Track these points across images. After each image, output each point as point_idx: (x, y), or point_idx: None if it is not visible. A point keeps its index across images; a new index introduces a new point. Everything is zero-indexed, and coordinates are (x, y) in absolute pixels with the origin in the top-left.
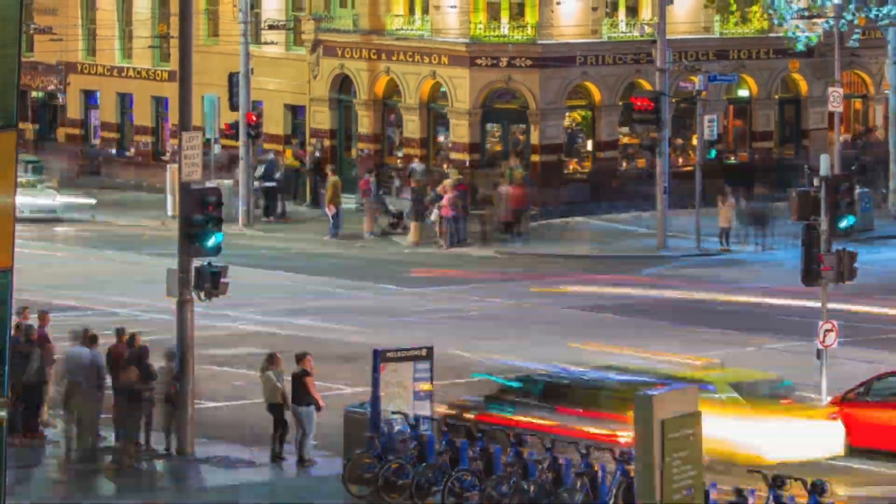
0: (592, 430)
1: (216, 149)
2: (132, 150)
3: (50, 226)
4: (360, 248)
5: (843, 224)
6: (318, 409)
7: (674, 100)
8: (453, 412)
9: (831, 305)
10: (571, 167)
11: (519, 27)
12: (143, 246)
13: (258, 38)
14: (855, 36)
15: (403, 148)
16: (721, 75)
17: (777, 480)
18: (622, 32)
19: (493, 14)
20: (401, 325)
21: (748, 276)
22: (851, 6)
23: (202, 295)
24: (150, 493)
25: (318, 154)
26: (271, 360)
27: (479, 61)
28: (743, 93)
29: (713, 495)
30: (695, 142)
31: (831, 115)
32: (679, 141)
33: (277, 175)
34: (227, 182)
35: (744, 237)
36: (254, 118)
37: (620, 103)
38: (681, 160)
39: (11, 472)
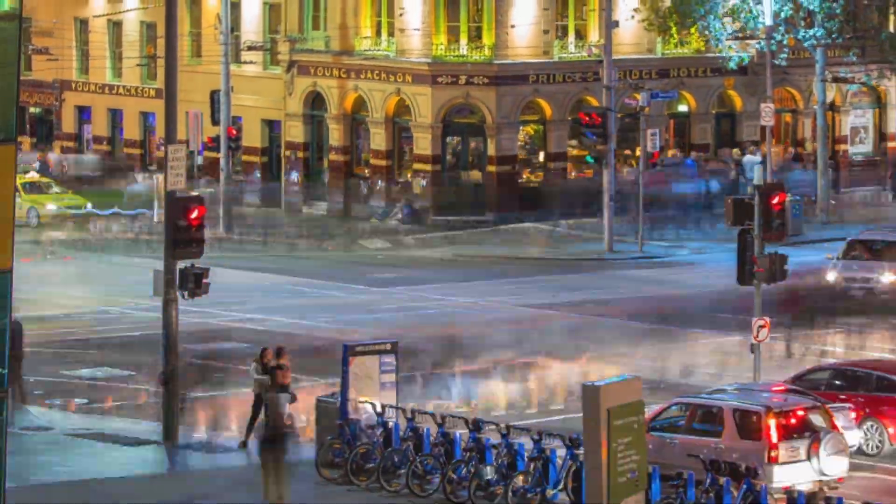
0: None
1: (199, 160)
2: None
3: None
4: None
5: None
6: (293, 400)
7: (619, 115)
8: None
9: None
10: (525, 177)
11: (477, 48)
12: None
13: (238, 58)
14: (784, 55)
15: (371, 159)
16: (662, 92)
17: (714, 465)
18: (571, 53)
19: (453, 36)
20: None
21: (686, 276)
22: (781, 28)
23: (186, 294)
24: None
25: None
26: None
27: (440, 79)
28: (682, 108)
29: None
30: (638, 153)
31: (763, 128)
32: (625, 152)
33: None
34: (209, 190)
35: None
36: (234, 132)
37: (569, 118)
38: (625, 170)
39: None
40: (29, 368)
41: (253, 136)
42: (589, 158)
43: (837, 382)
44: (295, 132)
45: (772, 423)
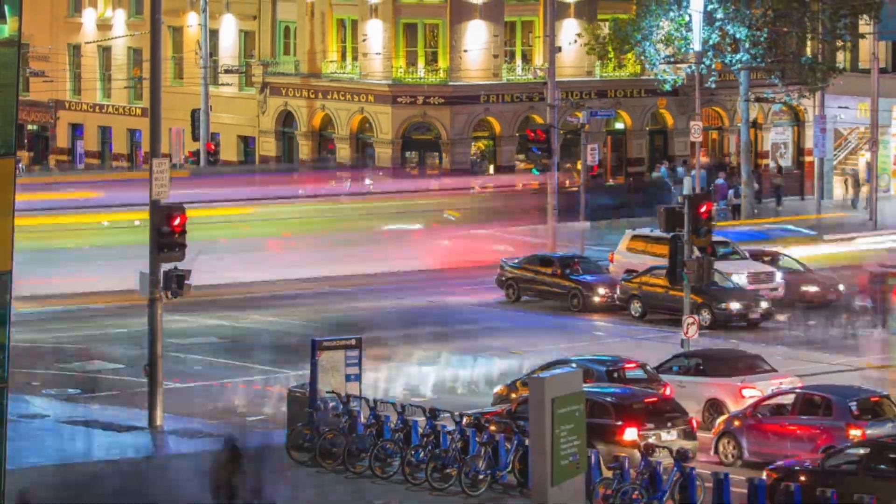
0: None
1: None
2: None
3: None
4: None
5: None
6: None
7: (562, 131)
8: None
9: None
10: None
11: (433, 71)
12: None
13: (216, 80)
14: (712, 78)
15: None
16: (601, 111)
17: (648, 449)
18: (518, 75)
19: (412, 60)
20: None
21: None
22: (710, 53)
23: (169, 294)
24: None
25: None
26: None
27: (399, 99)
28: (619, 125)
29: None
30: (579, 166)
31: (693, 144)
32: (567, 165)
33: None
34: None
35: None
36: (212, 147)
37: (517, 134)
38: (567, 182)
39: None
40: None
41: (230, 151)
42: (535, 171)
43: None
44: (268, 147)
45: None
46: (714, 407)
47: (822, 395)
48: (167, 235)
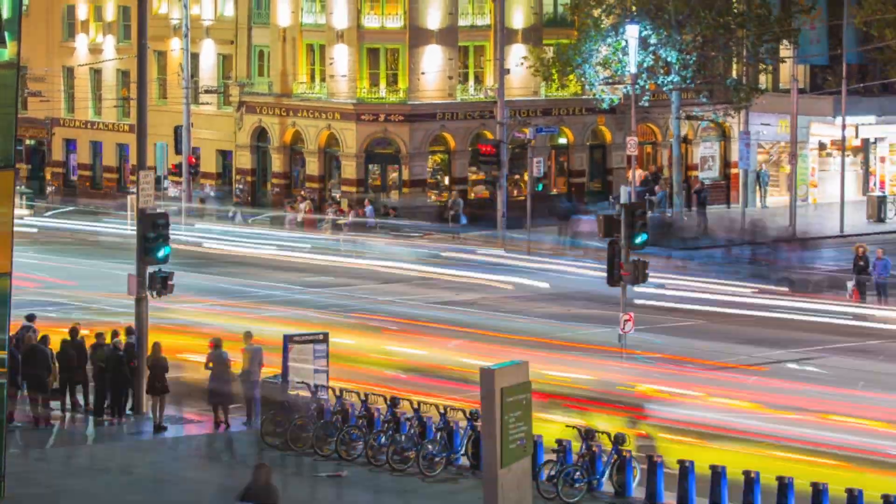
0: None
1: (165, 183)
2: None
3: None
4: None
5: (639, 240)
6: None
7: (510, 146)
8: None
9: None
10: (433, 197)
11: (393, 91)
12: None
13: (197, 99)
14: (646, 98)
15: (306, 183)
16: (546, 127)
17: (588, 433)
18: (471, 95)
19: (374, 81)
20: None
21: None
22: (644, 75)
23: (154, 293)
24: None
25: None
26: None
27: (363, 117)
28: (562, 140)
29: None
30: (526, 178)
31: (629, 157)
32: (515, 177)
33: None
34: (173, 208)
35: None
36: (193, 160)
37: (470, 148)
38: (515, 192)
39: None
40: None
41: (209, 164)
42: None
43: None
44: (244, 160)
45: None
46: None
47: None
48: (153, 240)
